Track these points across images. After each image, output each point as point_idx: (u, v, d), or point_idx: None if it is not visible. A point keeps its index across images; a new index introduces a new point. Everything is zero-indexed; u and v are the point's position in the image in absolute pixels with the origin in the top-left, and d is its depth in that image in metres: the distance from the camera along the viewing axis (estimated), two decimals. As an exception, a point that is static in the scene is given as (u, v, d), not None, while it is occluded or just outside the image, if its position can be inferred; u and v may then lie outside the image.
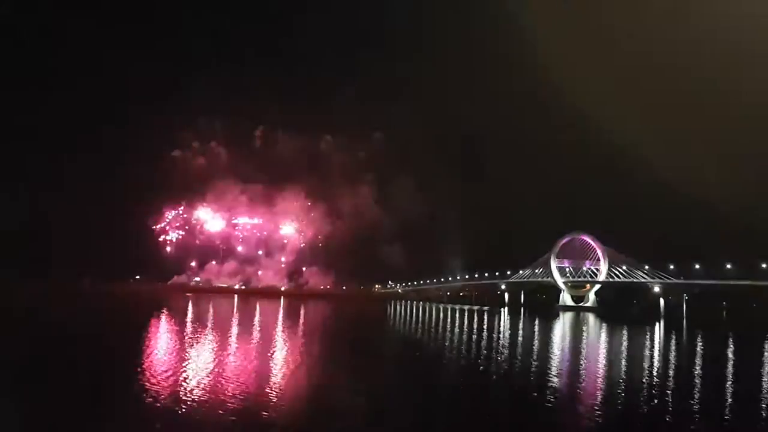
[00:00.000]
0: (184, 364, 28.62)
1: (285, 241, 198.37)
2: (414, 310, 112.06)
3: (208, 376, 25.40)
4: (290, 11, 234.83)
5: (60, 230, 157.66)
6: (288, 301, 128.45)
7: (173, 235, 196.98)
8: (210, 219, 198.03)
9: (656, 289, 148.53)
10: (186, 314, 71.85)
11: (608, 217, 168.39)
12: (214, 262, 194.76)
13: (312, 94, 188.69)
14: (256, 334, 47.41)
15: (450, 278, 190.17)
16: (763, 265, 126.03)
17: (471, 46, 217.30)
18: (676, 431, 20.23)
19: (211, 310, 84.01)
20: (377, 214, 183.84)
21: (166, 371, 25.78)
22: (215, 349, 36.26)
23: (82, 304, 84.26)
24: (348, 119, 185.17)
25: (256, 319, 70.05)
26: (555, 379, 29.15)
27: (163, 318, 63.33)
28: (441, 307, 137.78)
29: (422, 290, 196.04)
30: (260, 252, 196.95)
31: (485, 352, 41.10)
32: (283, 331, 51.56)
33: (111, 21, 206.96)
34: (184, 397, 20.63)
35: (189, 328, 51.41)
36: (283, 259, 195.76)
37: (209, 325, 57.37)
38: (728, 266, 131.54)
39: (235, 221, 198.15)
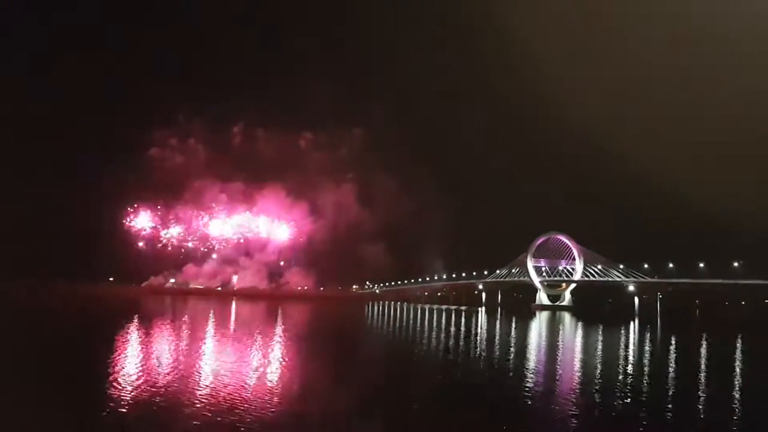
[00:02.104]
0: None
1: (266, 241, 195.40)
2: (392, 311, 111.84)
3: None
4: (268, 9, 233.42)
5: (31, 230, 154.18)
6: (264, 303, 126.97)
7: (150, 236, 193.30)
8: (189, 218, 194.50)
9: (631, 287, 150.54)
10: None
11: (583, 216, 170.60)
12: (191, 264, 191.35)
13: (290, 91, 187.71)
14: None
15: (428, 278, 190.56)
16: (735, 264, 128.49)
17: (453, 47, 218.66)
18: (648, 425, 20.28)
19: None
20: (358, 212, 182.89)
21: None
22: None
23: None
24: (327, 116, 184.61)
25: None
26: (531, 377, 29.15)
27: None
28: (419, 307, 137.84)
29: (400, 290, 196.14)
30: (240, 251, 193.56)
31: (462, 351, 41.05)
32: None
33: (90, 18, 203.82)
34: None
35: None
36: (263, 259, 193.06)
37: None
38: (701, 265, 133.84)
39: (214, 220, 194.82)
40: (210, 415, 18.61)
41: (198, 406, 19.76)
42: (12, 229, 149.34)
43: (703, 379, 32.56)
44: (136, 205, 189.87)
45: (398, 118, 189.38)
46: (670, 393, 27.33)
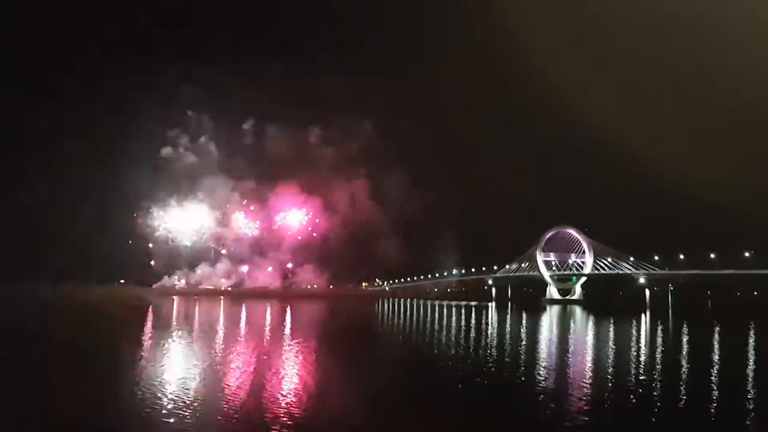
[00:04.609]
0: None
1: (279, 239, 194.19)
2: (403, 308, 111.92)
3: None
4: (275, 3, 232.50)
5: (41, 231, 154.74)
6: (275, 303, 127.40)
7: (163, 236, 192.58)
8: (202, 218, 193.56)
9: (641, 280, 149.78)
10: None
11: (592, 209, 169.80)
12: (204, 263, 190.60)
13: (298, 86, 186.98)
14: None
15: (437, 275, 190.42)
16: (746, 254, 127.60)
17: (458, 42, 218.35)
18: (662, 420, 20.25)
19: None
20: (369, 209, 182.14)
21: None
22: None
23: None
24: (337, 111, 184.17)
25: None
26: (543, 372, 29.15)
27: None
28: (429, 303, 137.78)
29: (410, 287, 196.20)
30: (253, 250, 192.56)
31: (473, 348, 41.10)
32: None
33: (96, 17, 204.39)
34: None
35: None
36: (270, 267, 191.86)
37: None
38: (712, 256, 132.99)
39: (227, 219, 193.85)
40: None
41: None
42: (21, 231, 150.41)
43: (717, 372, 32.37)
44: (149, 205, 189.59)
45: (407, 114, 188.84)
46: (685, 387, 27.21)
